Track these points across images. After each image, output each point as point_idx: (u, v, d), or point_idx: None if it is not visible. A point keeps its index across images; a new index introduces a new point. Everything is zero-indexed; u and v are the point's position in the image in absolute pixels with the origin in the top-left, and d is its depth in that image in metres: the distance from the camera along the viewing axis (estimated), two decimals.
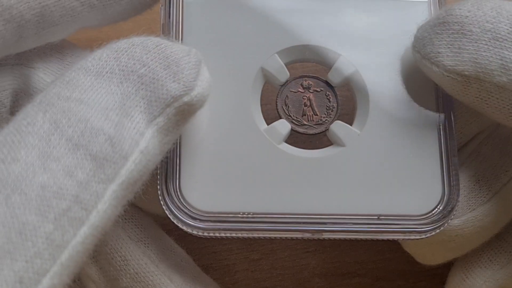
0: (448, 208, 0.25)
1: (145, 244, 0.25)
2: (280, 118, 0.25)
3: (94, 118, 0.20)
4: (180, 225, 0.24)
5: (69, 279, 0.19)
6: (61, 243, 0.18)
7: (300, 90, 0.26)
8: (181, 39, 0.25)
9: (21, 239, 0.18)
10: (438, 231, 0.25)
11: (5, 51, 0.23)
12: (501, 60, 0.22)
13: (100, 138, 0.20)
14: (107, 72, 0.21)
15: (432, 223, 0.24)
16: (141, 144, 0.20)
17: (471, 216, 0.26)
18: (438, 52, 0.23)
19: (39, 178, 0.19)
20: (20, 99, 0.25)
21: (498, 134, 0.27)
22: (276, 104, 0.26)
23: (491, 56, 0.23)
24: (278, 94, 0.26)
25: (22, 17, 0.23)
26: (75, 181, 0.19)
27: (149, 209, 0.26)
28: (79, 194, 0.19)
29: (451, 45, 0.23)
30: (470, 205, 0.26)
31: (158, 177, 0.24)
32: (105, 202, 0.19)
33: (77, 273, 0.19)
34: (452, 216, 0.25)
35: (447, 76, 0.23)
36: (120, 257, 0.25)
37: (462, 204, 0.26)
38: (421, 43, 0.24)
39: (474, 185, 0.26)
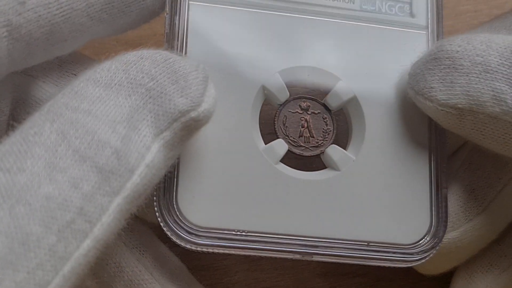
0: (435, 239, 0.25)
1: (140, 251, 0.25)
2: (278, 137, 0.26)
3: (101, 130, 0.20)
4: (173, 238, 0.24)
5: None
6: (63, 255, 0.18)
7: (298, 111, 0.26)
8: (185, 52, 0.25)
9: (23, 250, 0.18)
10: (424, 261, 0.25)
11: (13, 68, 0.23)
12: (493, 91, 0.23)
13: (107, 151, 0.20)
14: (115, 84, 0.21)
15: (419, 253, 0.25)
16: (147, 158, 0.20)
17: (469, 226, 0.26)
18: (431, 87, 0.24)
19: (45, 189, 0.19)
20: (18, 107, 0.25)
21: None
22: (274, 123, 0.26)
23: (483, 88, 0.23)
24: (276, 114, 0.26)
25: (31, 35, 0.22)
26: (80, 193, 0.19)
27: (145, 217, 0.26)
28: (84, 206, 0.19)
29: (443, 79, 0.24)
30: (466, 216, 0.26)
31: (155, 188, 0.24)
32: (109, 215, 0.19)
33: (78, 286, 0.19)
34: (438, 247, 0.25)
35: (441, 110, 0.24)
36: (115, 263, 0.25)
37: (458, 215, 0.26)
38: (415, 80, 0.25)
39: (469, 195, 0.26)
